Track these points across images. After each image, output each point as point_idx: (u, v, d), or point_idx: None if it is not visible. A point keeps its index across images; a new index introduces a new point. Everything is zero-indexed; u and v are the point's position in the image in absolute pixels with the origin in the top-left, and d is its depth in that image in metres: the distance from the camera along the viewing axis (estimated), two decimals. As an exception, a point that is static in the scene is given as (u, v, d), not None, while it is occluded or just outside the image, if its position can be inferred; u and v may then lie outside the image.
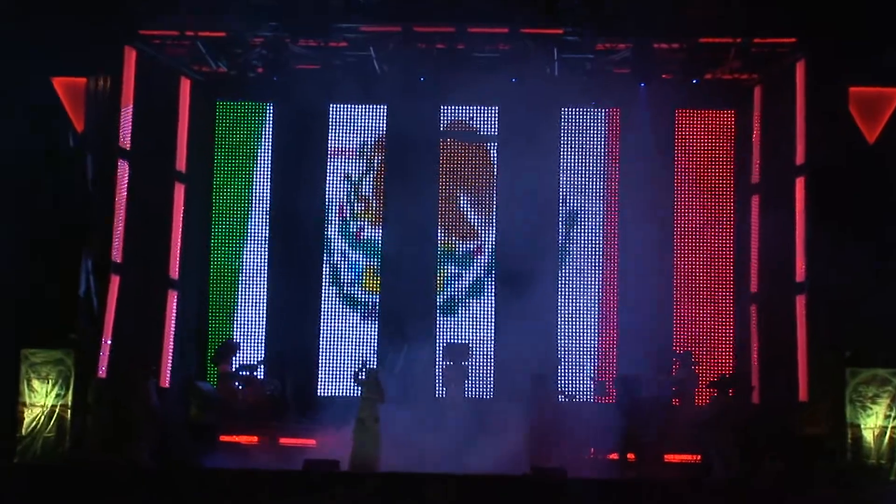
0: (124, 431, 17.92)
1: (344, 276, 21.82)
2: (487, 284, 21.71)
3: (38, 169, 18.72)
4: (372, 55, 20.42)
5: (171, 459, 17.46)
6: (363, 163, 21.98)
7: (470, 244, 21.88)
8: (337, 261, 21.84)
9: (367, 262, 21.87)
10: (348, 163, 21.98)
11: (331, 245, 21.86)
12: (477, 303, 21.69)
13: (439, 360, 20.91)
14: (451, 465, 16.66)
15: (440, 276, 21.72)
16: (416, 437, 17.57)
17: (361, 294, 21.74)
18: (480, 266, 21.77)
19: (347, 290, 21.77)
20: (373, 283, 21.81)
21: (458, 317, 21.69)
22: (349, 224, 21.96)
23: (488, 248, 21.80)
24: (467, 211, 21.93)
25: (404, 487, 15.43)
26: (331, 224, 21.86)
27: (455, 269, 21.79)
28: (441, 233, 21.80)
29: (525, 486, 15.61)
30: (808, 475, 16.71)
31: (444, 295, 21.68)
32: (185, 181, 21.16)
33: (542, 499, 15.39)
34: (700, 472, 17.53)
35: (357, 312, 21.72)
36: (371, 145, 21.98)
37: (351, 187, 21.98)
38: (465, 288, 21.73)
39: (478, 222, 21.89)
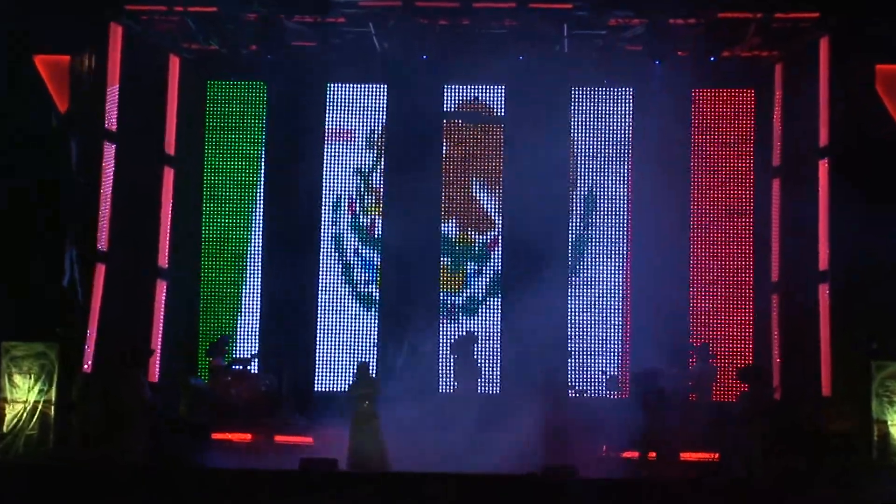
0: (115, 424, 17.81)
1: (358, 273, 21.75)
2: (491, 272, 21.66)
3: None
4: (371, 32, 20.31)
5: (164, 456, 17.40)
6: (373, 153, 21.90)
7: (480, 234, 21.78)
8: (334, 254, 21.80)
9: (366, 251, 21.82)
10: (350, 148, 21.89)
11: (329, 233, 21.79)
12: (481, 292, 21.63)
13: (446, 355, 20.91)
14: (462, 463, 16.59)
15: (444, 267, 21.65)
16: (426, 435, 17.54)
17: (360, 288, 21.70)
18: (478, 250, 21.71)
19: (347, 285, 21.72)
20: (373, 274, 21.74)
21: (462, 308, 21.64)
22: (359, 218, 21.89)
23: (493, 232, 21.73)
24: (473, 197, 21.85)
25: (404, 487, 15.45)
26: (327, 209, 21.79)
27: (462, 260, 21.72)
28: (445, 221, 21.71)
29: (526, 485, 15.62)
30: (829, 473, 16.63)
31: (450, 293, 21.61)
32: (174, 165, 21.10)
33: (542, 498, 15.41)
34: (718, 471, 17.46)
35: (357, 307, 21.67)
36: (371, 129, 21.90)
37: (361, 180, 21.91)
38: (483, 285, 21.68)
39: (483, 207, 21.81)
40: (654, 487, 15.85)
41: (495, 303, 21.58)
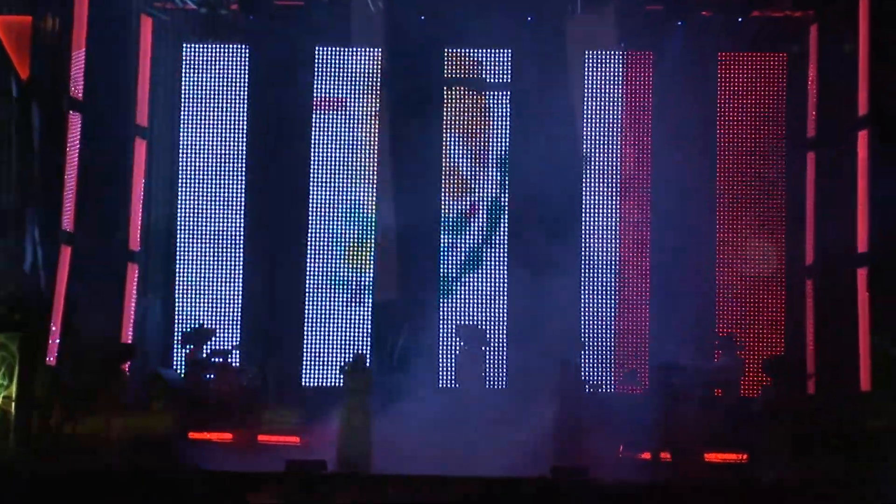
0: (95, 423, 17.77)
1: (349, 255, 21.69)
2: (495, 255, 21.58)
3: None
4: (365, -11, 20.37)
5: (147, 455, 17.35)
6: (367, 123, 21.81)
7: (484, 212, 21.73)
8: (323, 235, 21.73)
9: (358, 232, 21.75)
10: (337, 116, 21.84)
11: (318, 212, 21.72)
12: (484, 277, 21.56)
13: (449, 345, 20.93)
14: (465, 464, 16.57)
15: (444, 246, 21.62)
16: (428, 434, 17.50)
17: (352, 272, 21.63)
18: (481, 232, 21.63)
19: (338, 269, 21.65)
20: (365, 257, 21.68)
21: (464, 295, 21.57)
22: (351, 195, 21.80)
23: (497, 212, 21.65)
24: (476, 170, 21.78)
25: (404, 489, 15.49)
26: (315, 185, 21.71)
27: (460, 238, 21.68)
28: (444, 196, 21.65)
29: (534, 488, 15.63)
30: (867, 475, 16.58)
31: (446, 269, 21.57)
32: (146, 137, 21.09)
33: (552, 502, 15.40)
34: (746, 473, 17.43)
35: (348, 293, 21.61)
36: (363, 95, 21.82)
37: (353, 152, 21.82)
38: (467, 259, 21.63)
39: (487, 183, 21.74)
40: (672, 492, 15.83)
41: (498, 286, 21.51)
